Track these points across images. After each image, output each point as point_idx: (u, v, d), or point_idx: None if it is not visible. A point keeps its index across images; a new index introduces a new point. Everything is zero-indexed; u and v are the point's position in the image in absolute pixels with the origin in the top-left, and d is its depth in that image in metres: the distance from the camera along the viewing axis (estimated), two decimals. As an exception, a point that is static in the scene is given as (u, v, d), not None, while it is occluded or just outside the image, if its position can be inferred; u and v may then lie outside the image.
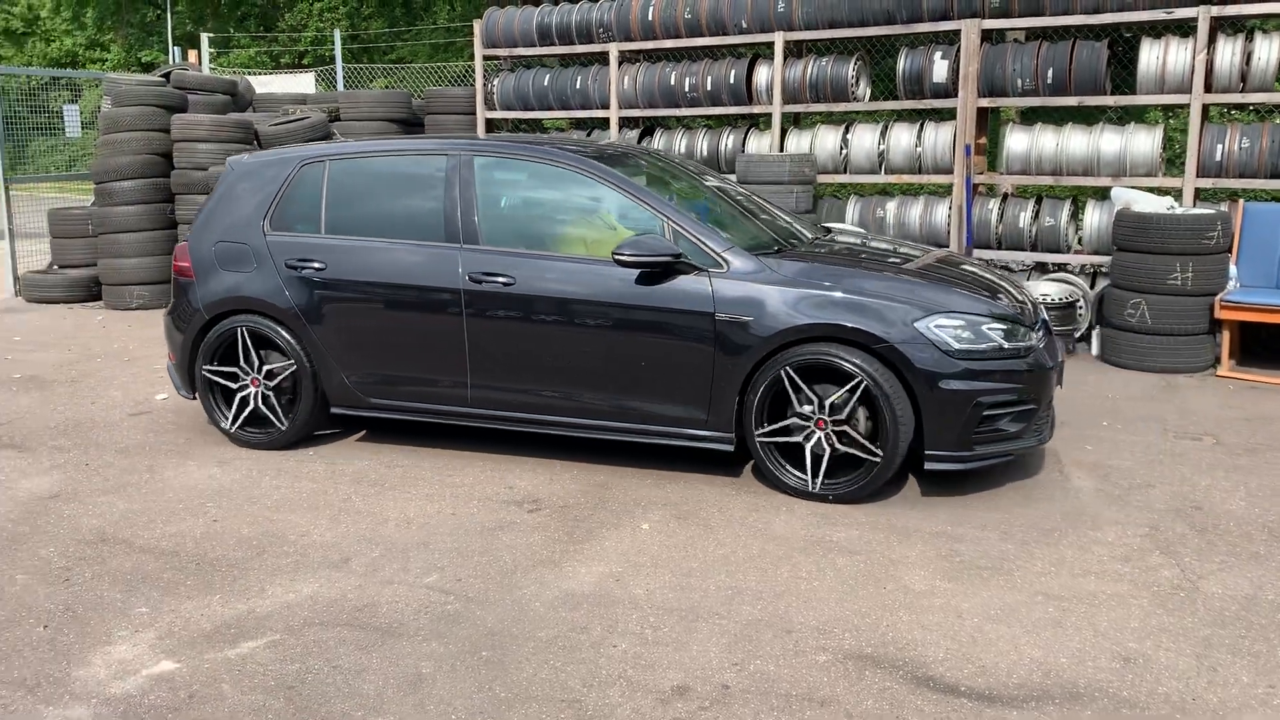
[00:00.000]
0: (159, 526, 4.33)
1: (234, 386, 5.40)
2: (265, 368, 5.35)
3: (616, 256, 4.65)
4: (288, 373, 5.31)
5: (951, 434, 4.41)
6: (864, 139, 8.45)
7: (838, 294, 4.51)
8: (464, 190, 5.10)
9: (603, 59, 9.54)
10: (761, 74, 8.79)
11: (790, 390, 4.53)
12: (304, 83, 12.49)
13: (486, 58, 10.08)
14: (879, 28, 8.26)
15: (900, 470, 4.73)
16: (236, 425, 5.42)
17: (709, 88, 8.92)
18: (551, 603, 3.61)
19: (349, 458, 5.22)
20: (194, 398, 5.55)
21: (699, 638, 3.36)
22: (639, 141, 9.39)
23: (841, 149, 8.53)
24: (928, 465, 4.48)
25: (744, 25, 8.76)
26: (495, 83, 10.04)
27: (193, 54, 13.15)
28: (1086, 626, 3.41)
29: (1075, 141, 7.69)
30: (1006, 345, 4.48)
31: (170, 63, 29.74)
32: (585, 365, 4.85)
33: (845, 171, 8.57)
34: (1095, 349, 7.25)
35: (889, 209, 8.31)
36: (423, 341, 5.09)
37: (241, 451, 5.33)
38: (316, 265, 5.23)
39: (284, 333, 5.29)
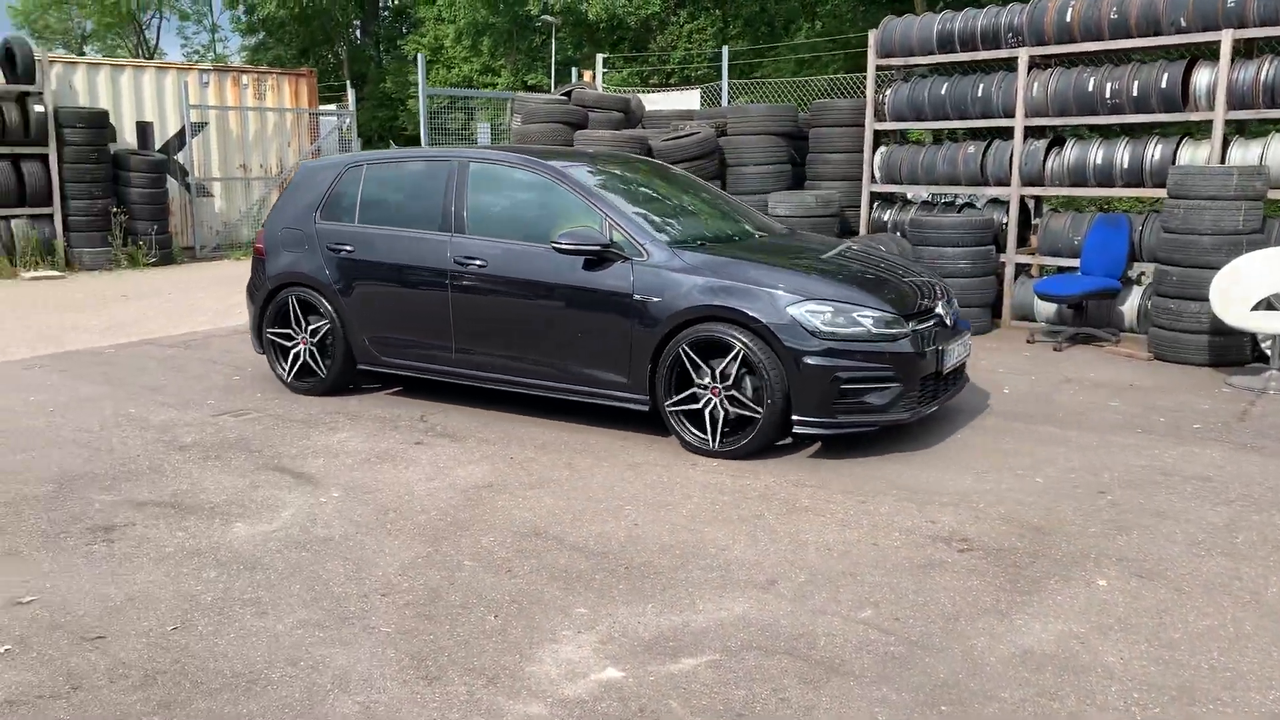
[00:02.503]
0: (585, 526, 4.42)
1: (288, 345, 6.68)
2: (310, 327, 6.56)
3: (555, 245, 5.60)
4: (325, 329, 6.50)
5: (814, 402, 5.09)
6: (1333, 149, 7.26)
7: (727, 281, 5.28)
8: (458, 189, 6.14)
9: (1008, 65, 8.93)
10: (1201, 76, 7.82)
11: (689, 365, 5.31)
12: (689, 99, 12.79)
13: (879, 68, 9.77)
14: (1362, 19, 7.07)
15: None
16: (291, 376, 6.69)
17: (1134, 93, 8.06)
18: (1008, 659, 3.24)
19: (753, 473, 5.10)
20: (263, 353, 6.85)
21: (1203, 726, 2.86)
22: (1047, 151, 8.68)
23: (1302, 161, 7.38)
24: (795, 429, 5.18)
25: (1182, 24, 7.83)
26: (887, 93, 9.70)
27: (587, 74, 13.91)
28: None
29: None
30: (874, 330, 5.12)
31: (550, 85, 31.93)
32: (538, 334, 5.80)
33: (1306, 187, 7.41)
34: None
35: (1363, 231, 7.08)
36: (420, 312, 6.18)
37: (651, 456, 5.38)
38: (348, 249, 6.41)
39: (325, 301, 6.48)
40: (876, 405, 5.14)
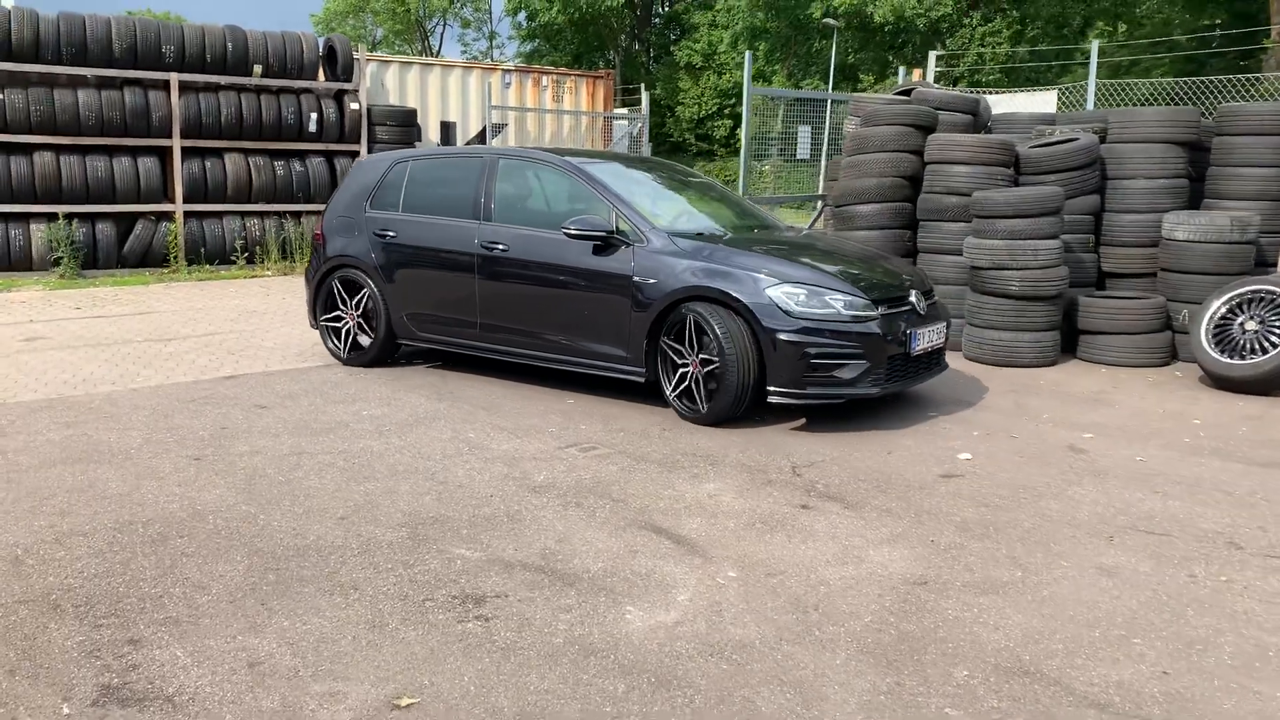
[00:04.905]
0: (1088, 665, 3.24)
1: (339, 326, 7.33)
2: (354, 300, 7.20)
3: (564, 231, 6.17)
4: (368, 304, 7.13)
5: (785, 375, 5.66)
6: None
7: (714, 266, 5.83)
8: (487, 182, 6.76)
9: None
10: None
11: (670, 352, 5.92)
12: (1041, 101, 11.29)
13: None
14: None
15: None
16: (347, 352, 7.28)
17: None
18: None
19: (1277, 598, 3.76)
20: (317, 328, 7.48)
21: None
22: None
23: None
24: (769, 399, 5.72)
25: None
26: (1329, 96, 7.90)
27: (916, 72, 12.63)
28: None
29: None
30: (844, 312, 5.70)
31: (828, 89, 30.61)
32: (551, 312, 6.35)
33: None
34: None
35: None
36: (450, 291, 6.77)
37: (1115, 556, 4.12)
38: (391, 234, 7.04)
39: (370, 281, 7.11)
40: (845, 379, 5.67)
